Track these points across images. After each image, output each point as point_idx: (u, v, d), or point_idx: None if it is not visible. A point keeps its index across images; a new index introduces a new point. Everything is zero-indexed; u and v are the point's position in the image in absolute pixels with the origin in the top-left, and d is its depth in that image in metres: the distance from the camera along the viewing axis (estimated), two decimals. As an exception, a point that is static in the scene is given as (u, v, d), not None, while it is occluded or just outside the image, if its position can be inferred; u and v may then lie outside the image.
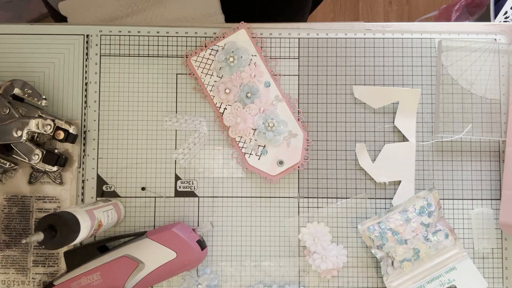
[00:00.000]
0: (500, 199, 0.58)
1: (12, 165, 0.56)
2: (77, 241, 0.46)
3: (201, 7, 0.64)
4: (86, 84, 0.59)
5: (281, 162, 0.58)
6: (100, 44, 0.60)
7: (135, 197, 0.58)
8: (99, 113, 0.59)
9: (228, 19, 0.66)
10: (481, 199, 0.59)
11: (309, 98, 0.60)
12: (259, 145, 0.58)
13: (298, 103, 0.60)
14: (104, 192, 0.58)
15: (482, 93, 0.60)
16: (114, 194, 0.58)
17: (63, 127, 0.55)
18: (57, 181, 0.58)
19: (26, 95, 0.55)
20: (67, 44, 0.59)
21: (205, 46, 0.60)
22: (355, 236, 0.58)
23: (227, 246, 0.58)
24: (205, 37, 0.60)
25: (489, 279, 0.58)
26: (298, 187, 0.59)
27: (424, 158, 0.59)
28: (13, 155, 0.55)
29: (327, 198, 0.59)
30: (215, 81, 0.59)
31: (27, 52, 0.59)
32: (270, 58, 0.60)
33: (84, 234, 0.46)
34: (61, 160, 0.56)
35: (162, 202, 0.59)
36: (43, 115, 0.55)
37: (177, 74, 0.60)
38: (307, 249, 0.58)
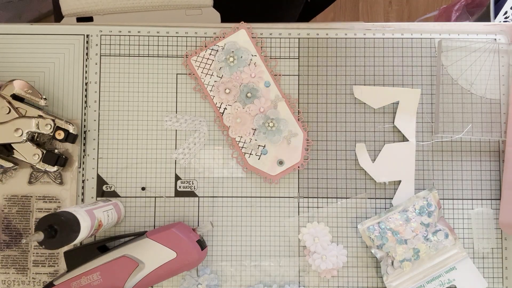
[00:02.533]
0: (500, 199, 0.58)
1: (12, 165, 0.56)
2: (77, 241, 0.46)
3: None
4: (86, 84, 0.59)
5: (281, 162, 0.58)
6: (100, 44, 0.60)
7: (135, 197, 0.58)
8: (99, 113, 0.59)
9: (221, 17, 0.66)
10: (481, 199, 0.59)
11: (309, 98, 0.60)
12: (259, 145, 0.58)
13: (298, 103, 0.60)
14: (104, 192, 0.58)
15: (482, 93, 0.60)
16: (114, 194, 0.58)
17: (63, 127, 0.55)
18: (57, 181, 0.58)
19: (26, 95, 0.55)
20: (67, 44, 0.59)
21: (205, 46, 0.60)
22: (355, 236, 0.58)
23: (227, 246, 0.58)
24: (205, 37, 0.60)
25: (489, 279, 0.58)
26: (298, 187, 0.59)
27: (424, 158, 0.59)
28: (13, 155, 0.55)
29: (327, 198, 0.59)
30: (215, 81, 0.59)
31: (27, 52, 0.59)
32: (270, 58, 0.60)
33: (84, 234, 0.46)
34: (61, 160, 0.56)
35: (162, 202, 0.59)
36: (43, 115, 0.55)
37: (177, 74, 0.60)
38: (307, 249, 0.58)
